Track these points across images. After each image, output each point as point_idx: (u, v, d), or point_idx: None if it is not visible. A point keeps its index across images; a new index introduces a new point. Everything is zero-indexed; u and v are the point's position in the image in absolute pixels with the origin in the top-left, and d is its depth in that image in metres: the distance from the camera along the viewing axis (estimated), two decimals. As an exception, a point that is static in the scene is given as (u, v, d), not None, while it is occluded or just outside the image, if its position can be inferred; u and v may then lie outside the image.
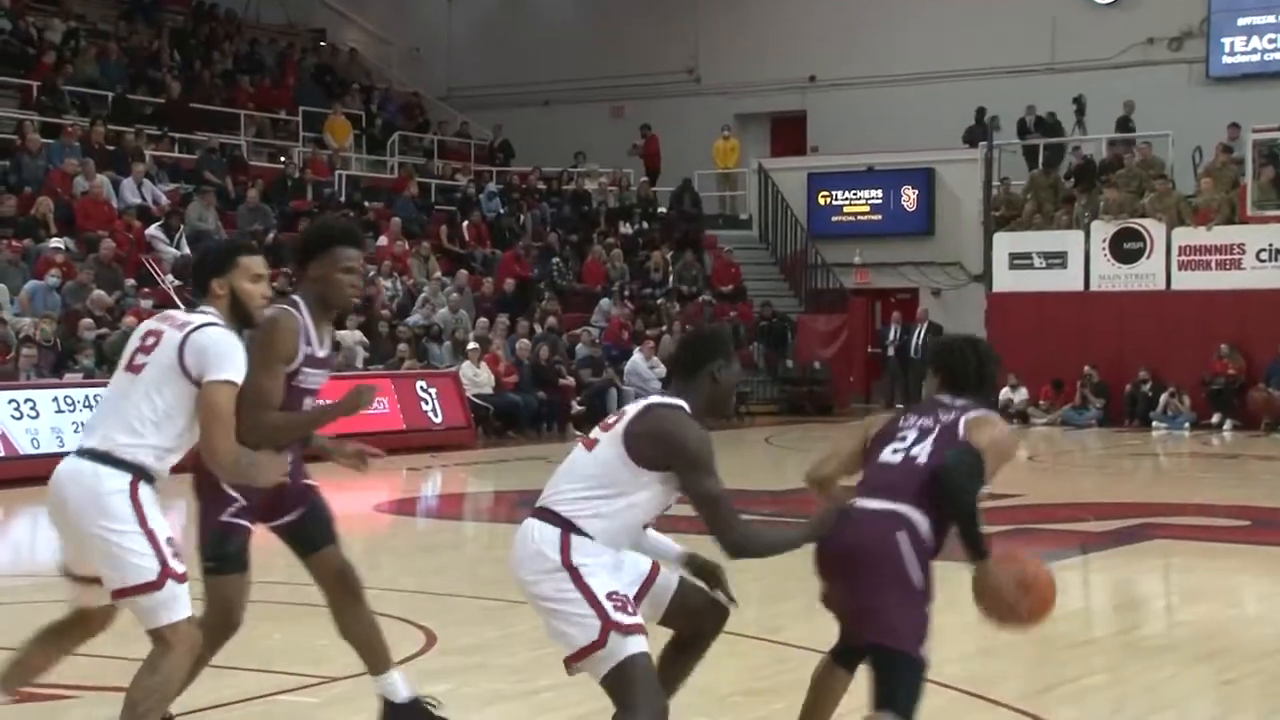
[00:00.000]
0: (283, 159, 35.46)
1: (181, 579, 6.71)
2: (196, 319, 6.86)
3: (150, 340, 6.87)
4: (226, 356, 6.73)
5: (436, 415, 27.34)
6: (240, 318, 7.03)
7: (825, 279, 37.73)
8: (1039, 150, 36.11)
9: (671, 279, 36.38)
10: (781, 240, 38.91)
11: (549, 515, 6.61)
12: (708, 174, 40.35)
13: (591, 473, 6.68)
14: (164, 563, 6.63)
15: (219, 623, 7.29)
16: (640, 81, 41.15)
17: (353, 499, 14.01)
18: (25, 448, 20.39)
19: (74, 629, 7.35)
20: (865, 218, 38.10)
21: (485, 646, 10.90)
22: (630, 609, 6.56)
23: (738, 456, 21.43)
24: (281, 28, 42.83)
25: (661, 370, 31.21)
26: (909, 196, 37.43)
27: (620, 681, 6.45)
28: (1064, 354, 31.95)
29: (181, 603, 6.74)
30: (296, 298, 7.25)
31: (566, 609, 6.49)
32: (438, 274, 32.31)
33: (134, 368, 6.87)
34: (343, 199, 34.24)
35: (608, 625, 6.42)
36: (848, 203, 38.35)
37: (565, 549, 6.49)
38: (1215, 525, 17.30)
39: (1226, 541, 16.32)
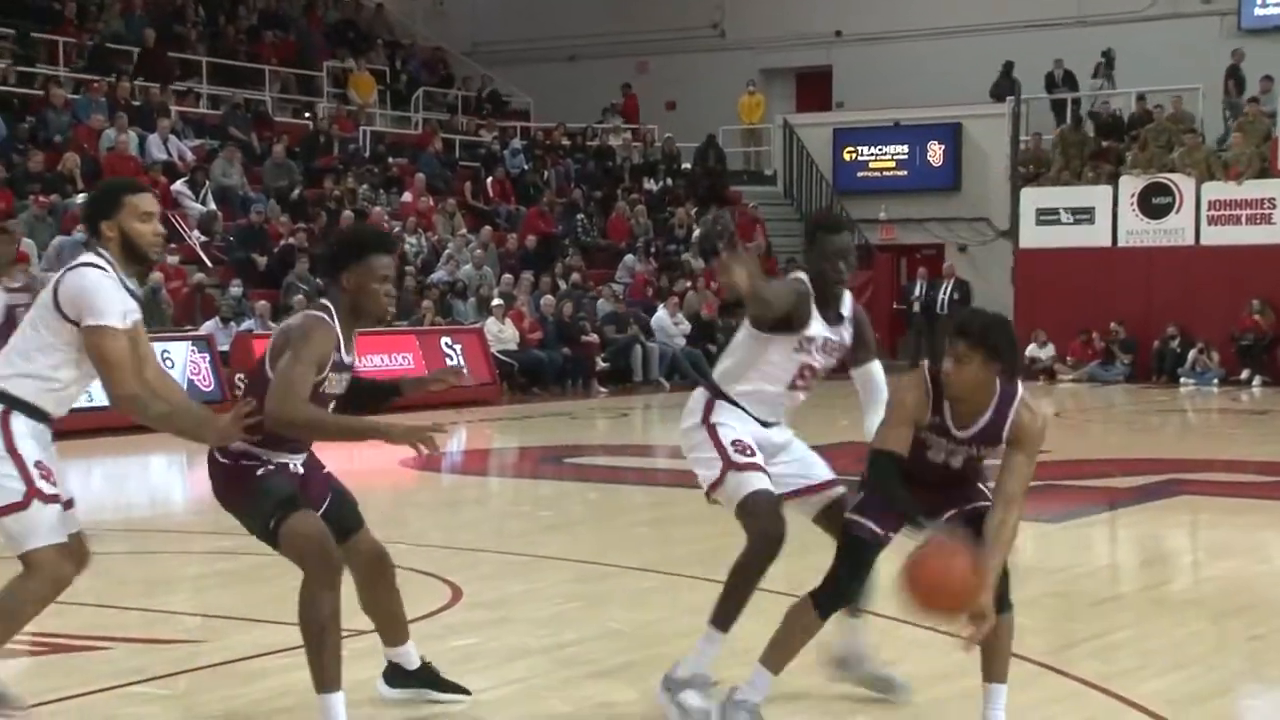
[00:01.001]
0: (307, 114, 35.49)
1: (49, 500, 6.72)
2: (76, 261, 6.94)
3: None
4: (97, 299, 6.69)
5: (460, 368, 27.36)
6: (134, 258, 6.99)
7: (851, 235, 37.60)
8: (1066, 105, 36.05)
9: (697, 233, 36.40)
10: (806, 196, 38.77)
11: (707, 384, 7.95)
12: (732, 130, 40.30)
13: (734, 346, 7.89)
14: (29, 483, 6.64)
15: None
16: (664, 36, 41.07)
17: (378, 455, 14.03)
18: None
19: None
20: (891, 173, 38.04)
21: (511, 601, 10.91)
22: (750, 452, 7.62)
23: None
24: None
25: (686, 326, 31.31)
26: (935, 152, 37.37)
27: (740, 512, 7.52)
28: (1091, 310, 31.93)
29: (48, 527, 6.73)
30: (328, 304, 7.12)
31: (697, 454, 7.75)
32: (462, 230, 32.37)
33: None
34: (367, 154, 34.33)
35: (727, 465, 7.57)
36: (873, 158, 38.31)
37: (708, 410, 7.74)
38: (1243, 481, 17.25)
39: (1254, 497, 16.28)
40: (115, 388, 6.69)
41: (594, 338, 30.27)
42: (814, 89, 41.28)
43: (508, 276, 30.98)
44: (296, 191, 30.84)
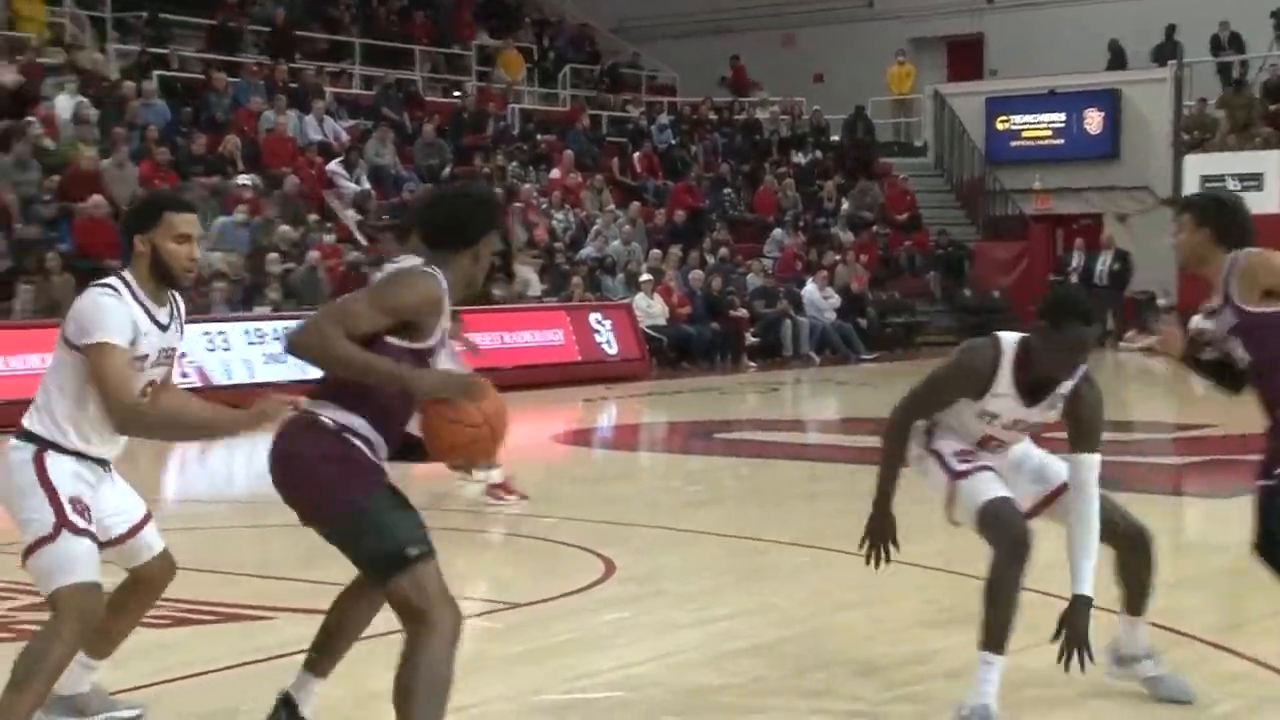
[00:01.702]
0: (456, 93, 35.70)
1: (80, 533, 6.50)
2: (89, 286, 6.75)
3: None
4: (97, 317, 6.49)
5: (611, 347, 27.55)
6: (163, 279, 6.72)
7: (1004, 205, 37.49)
8: (1232, 68, 35.59)
9: (845, 207, 36.35)
10: (957, 167, 38.66)
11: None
12: (881, 101, 40.18)
13: None
14: (60, 514, 6.46)
15: None
16: (812, 8, 41.01)
17: (530, 430, 14.13)
18: (219, 378, 21.19)
19: (138, 589, 7.19)
20: (1046, 142, 37.69)
21: (663, 574, 10.94)
22: (971, 457, 7.52)
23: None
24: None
25: (836, 300, 31.23)
26: (1093, 119, 36.98)
27: (980, 525, 7.28)
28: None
29: (78, 562, 6.47)
30: (436, 268, 6.35)
31: (927, 479, 7.68)
32: (610, 206, 32.50)
33: None
34: (516, 132, 34.51)
35: (952, 477, 7.46)
36: (1027, 127, 38.00)
37: (928, 437, 7.66)
38: None
39: None
40: (112, 406, 6.50)
41: (743, 312, 30.30)
42: (965, 57, 41.10)
43: (656, 252, 31.10)
44: (447, 170, 31.03)
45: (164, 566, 7.01)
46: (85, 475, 6.61)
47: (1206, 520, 12.52)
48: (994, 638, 7.15)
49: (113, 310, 6.49)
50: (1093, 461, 7.40)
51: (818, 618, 9.33)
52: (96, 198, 23.80)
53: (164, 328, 6.65)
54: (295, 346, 6.11)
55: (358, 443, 6.14)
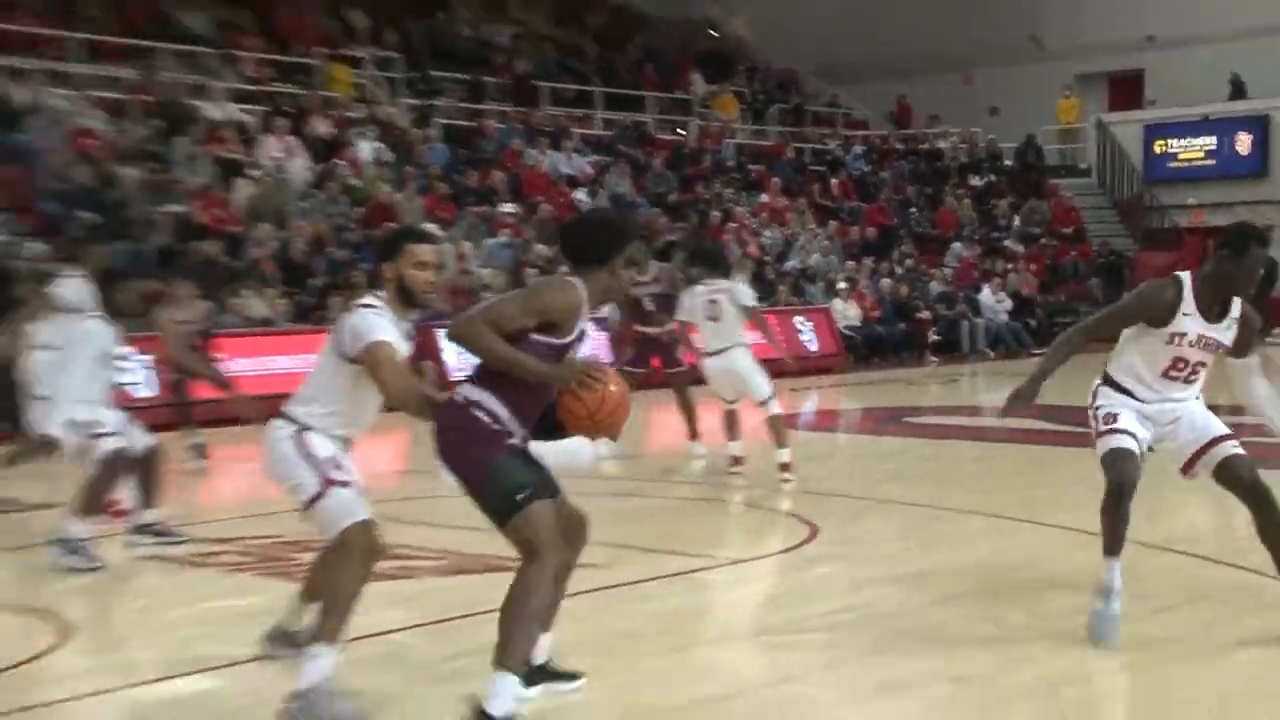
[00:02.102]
0: (681, 132, 35.98)
1: (342, 484, 6.63)
2: (353, 305, 6.83)
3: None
4: (372, 326, 6.60)
5: (812, 344, 27.84)
6: (406, 302, 6.78)
7: (1160, 220, 37.12)
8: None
9: (1017, 223, 36.29)
10: (1118, 186, 38.30)
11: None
12: (1050, 129, 39.88)
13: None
14: (323, 475, 6.62)
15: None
16: (987, 50, 40.72)
17: (746, 415, 14.31)
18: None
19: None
20: (1199, 163, 37.20)
21: (861, 539, 11.06)
22: (1116, 420, 7.79)
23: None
24: (684, 23, 43.34)
25: (1008, 303, 31.29)
26: (1243, 142, 36.43)
27: (1102, 467, 7.66)
28: None
29: (348, 507, 6.62)
30: (578, 279, 6.41)
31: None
32: (811, 225, 32.74)
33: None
34: (730, 164, 34.80)
35: (1097, 435, 7.80)
36: (1183, 149, 37.50)
37: (1093, 396, 7.92)
38: None
39: None
40: (390, 394, 6.64)
41: (926, 314, 30.50)
42: (1126, 89, 40.56)
43: (851, 263, 31.33)
44: (673, 197, 31.48)
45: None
46: (336, 446, 6.75)
47: None
48: (1111, 542, 7.57)
49: (379, 319, 6.62)
50: (1255, 358, 8.12)
51: (997, 578, 9.39)
52: (417, 228, 24.22)
53: (412, 337, 6.79)
54: (453, 336, 6.26)
55: (481, 415, 6.20)
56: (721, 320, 13.85)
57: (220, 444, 15.82)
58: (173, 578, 10.07)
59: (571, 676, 6.89)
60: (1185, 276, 7.80)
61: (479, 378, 6.36)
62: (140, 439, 10.74)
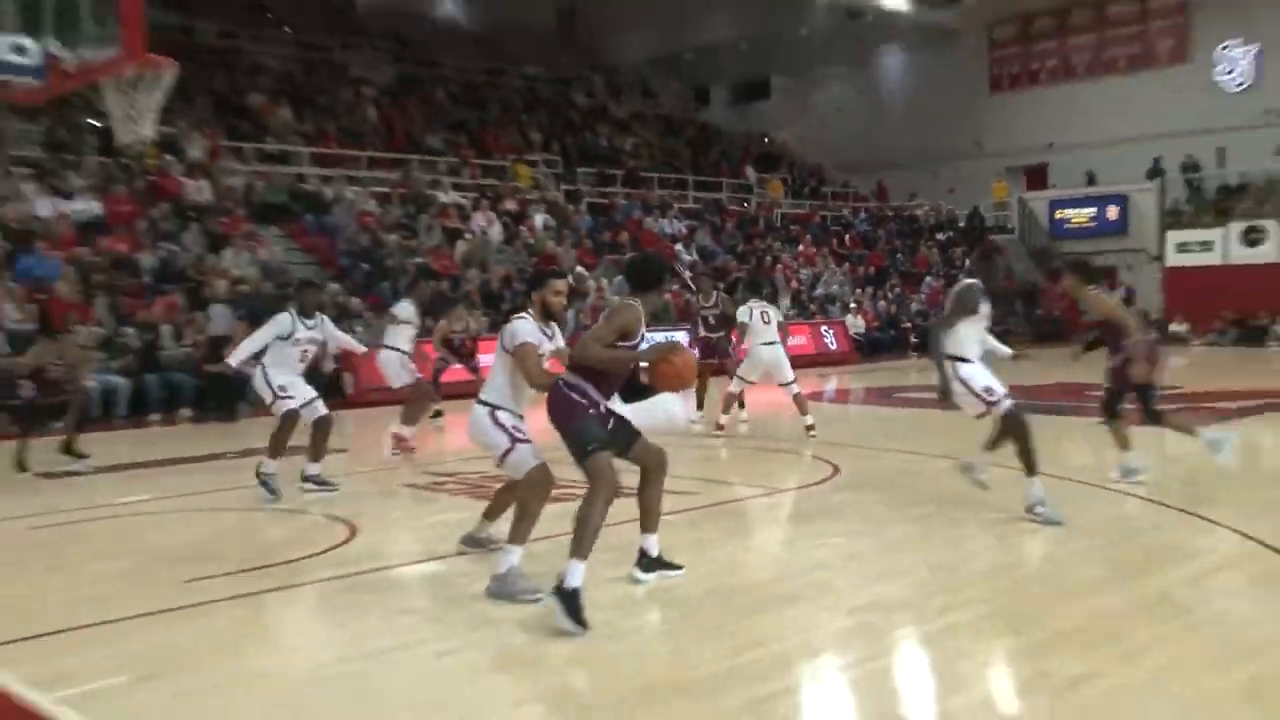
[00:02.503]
0: (745, 204, 35.75)
1: (523, 441, 6.64)
2: (512, 317, 6.85)
3: None
4: (521, 333, 6.64)
5: (833, 345, 27.71)
6: (547, 317, 6.83)
7: (1060, 262, 36.68)
8: (1192, 181, 34.75)
9: (968, 263, 35.79)
10: (1032, 239, 37.99)
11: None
12: (988, 202, 39.48)
13: None
14: (512, 437, 6.65)
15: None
16: (952, 153, 40.48)
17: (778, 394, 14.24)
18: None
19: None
20: (1085, 225, 36.52)
21: (871, 477, 10.79)
22: (994, 390, 8.31)
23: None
24: (746, 133, 43.33)
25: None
26: (1112, 211, 35.93)
27: (1011, 419, 8.32)
28: (1211, 302, 30.63)
29: (528, 458, 6.61)
30: (637, 301, 6.50)
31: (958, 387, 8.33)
32: (832, 265, 32.51)
33: None
34: (778, 226, 34.59)
35: (988, 402, 8.33)
36: (1074, 215, 36.94)
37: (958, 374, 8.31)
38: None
39: None
40: (530, 379, 6.61)
41: (908, 325, 30.19)
42: (1036, 177, 40.04)
43: (858, 290, 31.17)
44: (740, 248, 31.35)
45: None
46: (515, 417, 6.74)
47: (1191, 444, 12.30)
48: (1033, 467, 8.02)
49: (529, 327, 6.69)
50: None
51: (956, 495, 9.16)
52: (555, 268, 24.34)
53: (551, 339, 6.80)
54: (578, 358, 6.38)
55: (574, 394, 6.37)
56: (769, 324, 13.87)
57: (452, 412, 15.90)
58: (418, 498, 10.17)
59: (676, 566, 6.94)
60: (977, 283, 8.41)
61: (573, 369, 6.49)
62: (320, 409, 10.46)
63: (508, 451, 6.67)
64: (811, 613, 6.17)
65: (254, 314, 16.45)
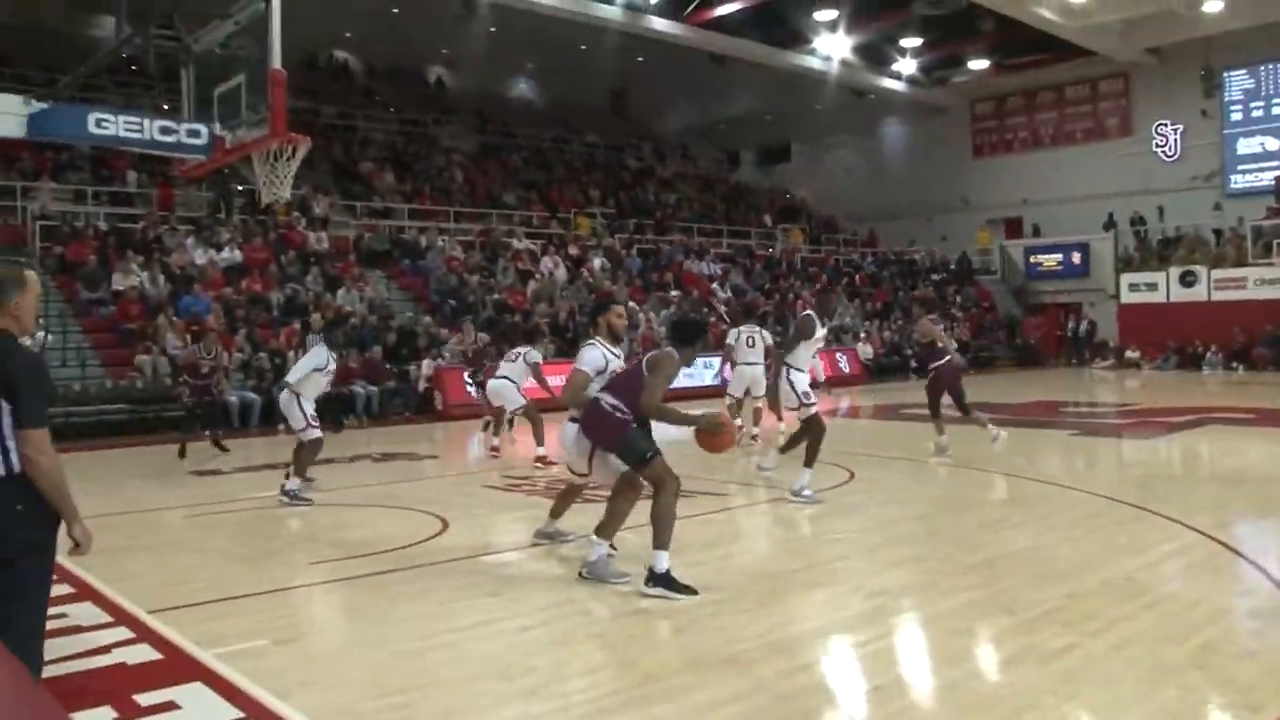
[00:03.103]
0: (770, 249, 35.27)
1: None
2: (585, 343, 6.80)
3: None
4: (583, 357, 6.60)
5: (846, 368, 27.41)
6: (612, 339, 6.72)
7: (1036, 299, 36.32)
8: (1140, 232, 34.41)
9: (959, 300, 35.40)
10: (1011, 280, 37.46)
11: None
12: (974, 248, 38.97)
13: None
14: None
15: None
16: (937, 204, 40.17)
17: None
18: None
19: (574, 491, 7.40)
20: (1054, 268, 35.85)
21: (881, 478, 10.62)
22: (811, 395, 8.96)
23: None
24: (770, 189, 43.20)
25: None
26: (1076, 256, 35.48)
27: (813, 422, 8.51)
28: (1158, 333, 30.19)
29: (617, 465, 6.44)
30: (675, 351, 6.49)
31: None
32: (845, 300, 32.11)
33: None
34: (798, 268, 34.26)
35: (802, 404, 8.93)
36: (1045, 260, 36.31)
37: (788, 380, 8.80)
38: (1242, 418, 16.08)
39: (1255, 426, 15.05)
40: (566, 396, 6.56)
41: (910, 352, 29.60)
42: (1013, 228, 39.55)
43: (867, 322, 30.61)
44: (767, 286, 30.97)
45: None
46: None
47: (1146, 452, 12.13)
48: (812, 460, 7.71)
49: (593, 355, 6.61)
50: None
51: (955, 496, 9.06)
52: (614, 296, 24.35)
53: (618, 357, 6.69)
54: (645, 409, 6.27)
55: (618, 413, 6.31)
56: (753, 346, 13.40)
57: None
58: (500, 498, 10.13)
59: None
60: (813, 314, 9.28)
61: (609, 390, 6.43)
62: (315, 433, 10.00)
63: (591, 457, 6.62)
64: (834, 596, 6.13)
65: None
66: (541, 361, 13.12)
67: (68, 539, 3.92)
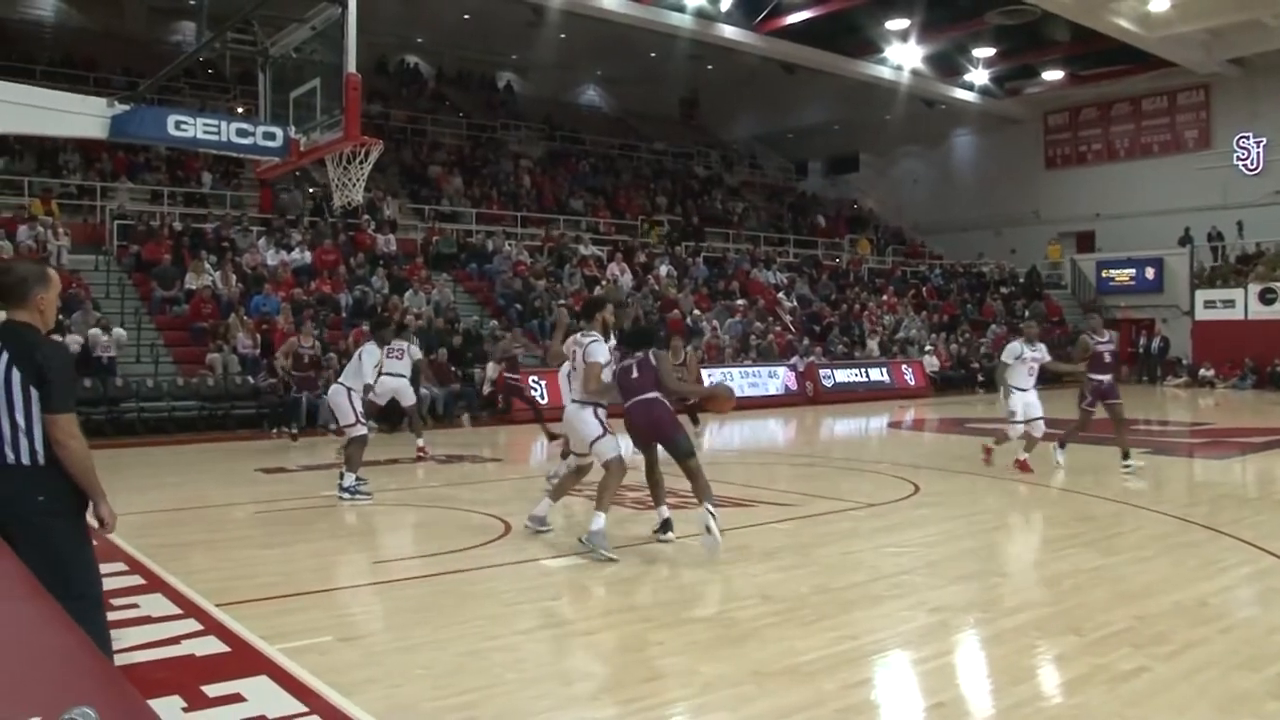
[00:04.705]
0: (837, 259, 35.18)
1: (609, 434, 7.42)
2: (588, 339, 7.55)
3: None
4: (594, 350, 7.39)
5: (911, 381, 27.11)
6: (607, 335, 7.57)
7: (1107, 314, 35.63)
8: (1217, 248, 33.65)
9: (1028, 314, 34.94)
10: (1082, 294, 36.88)
11: None
12: (1045, 262, 38.39)
13: None
14: (602, 427, 7.47)
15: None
16: (1011, 218, 39.73)
17: (878, 420, 14.04)
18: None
19: (578, 473, 8.08)
20: (1126, 283, 35.30)
21: (943, 492, 10.52)
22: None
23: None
24: (834, 199, 42.97)
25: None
26: (1150, 272, 34.81)
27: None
28: (1235, 351, 29.60)
29: (613, 447, 7.39)
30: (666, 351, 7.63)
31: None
32: (911, 313, 31.71)
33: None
34: (865, 278, 33.98)
35: None
36: (1117, 274, 35.74)
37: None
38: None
39: None
40: (589, 385, 7.39)
41: (976, 365, 29.28)
42: (1086, 241, 38.96)
43: (934, 335, 30.17)
44: (834, 296, 30.84)
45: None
46: (602, 415, 7.54)
47: (1223, 473, 11.87)
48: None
49: (600, 346, 7.47)
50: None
51: (1021, 508, 8.95)
52: (607, 300, 24.54)
53: (612, 353, 7.67)
54: (674, 389, 7.39)
55: (667, 404, 7.33)
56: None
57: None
58: (563, 501, 10.09)
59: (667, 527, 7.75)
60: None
61: (648, 387, 7.31)
62: (361, 429, 10.16)
63: (599, 438, 7.42)
64: (897, 610, 6.06)
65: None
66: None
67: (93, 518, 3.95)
